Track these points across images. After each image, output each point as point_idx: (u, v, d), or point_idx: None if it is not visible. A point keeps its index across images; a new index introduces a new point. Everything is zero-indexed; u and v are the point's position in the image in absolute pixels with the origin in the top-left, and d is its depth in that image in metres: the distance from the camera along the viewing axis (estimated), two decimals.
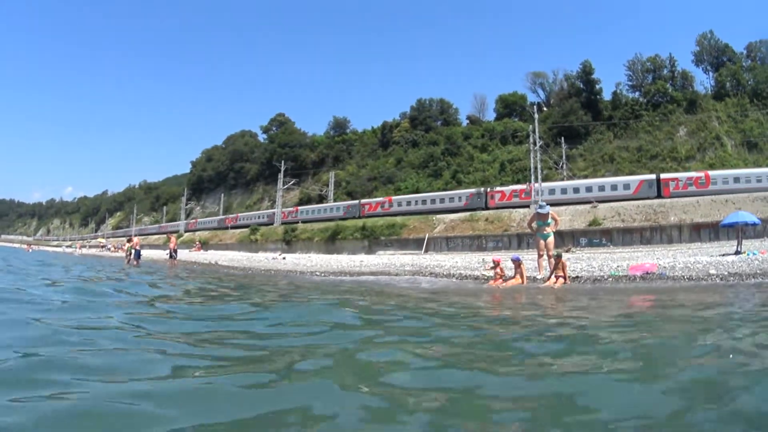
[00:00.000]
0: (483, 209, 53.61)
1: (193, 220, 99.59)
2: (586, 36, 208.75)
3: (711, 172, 48.18)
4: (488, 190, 57.26)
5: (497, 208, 52.78)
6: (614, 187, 49.65)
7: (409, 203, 62.81)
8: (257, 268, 30.84)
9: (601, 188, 49.92)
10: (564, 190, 52.48)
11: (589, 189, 50.27)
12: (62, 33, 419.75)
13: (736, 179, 46.56)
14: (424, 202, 61.77)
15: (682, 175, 49.33)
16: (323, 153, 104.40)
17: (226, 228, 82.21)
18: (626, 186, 49.24)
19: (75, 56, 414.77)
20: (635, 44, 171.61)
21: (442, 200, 60.47)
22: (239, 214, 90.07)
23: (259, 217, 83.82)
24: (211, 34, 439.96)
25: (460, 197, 58.66)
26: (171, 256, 33.95)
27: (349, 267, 28.26)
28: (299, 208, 78.94)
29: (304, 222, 69.35)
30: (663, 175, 49.31)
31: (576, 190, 51.30)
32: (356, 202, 69.04)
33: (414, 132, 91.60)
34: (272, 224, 76.46)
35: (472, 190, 59.43)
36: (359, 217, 62.78)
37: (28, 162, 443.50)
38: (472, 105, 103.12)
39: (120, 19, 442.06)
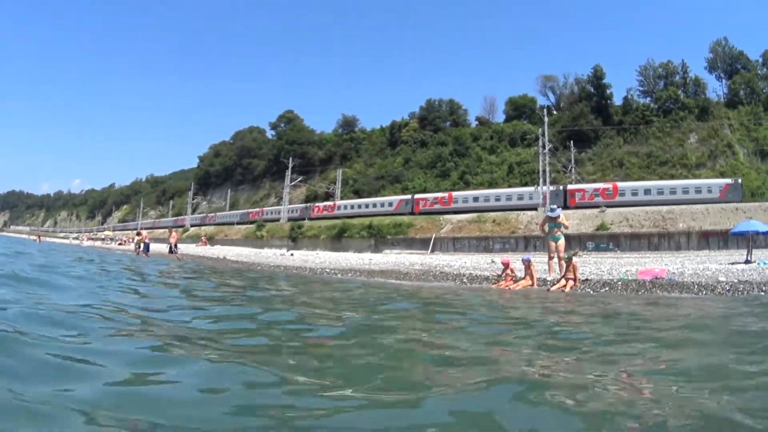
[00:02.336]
0: (410, 214, 60.32)
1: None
2: (598, 40, 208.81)
3: (619, 184, 52.74)
4: (414, 197, 64.27)
5: (422, 213, 59.63)
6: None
7: (353, 207, 69.75)
8: (266, 264, 30.63)
9: None
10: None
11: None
12: (70, 25, 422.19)
13: (476, 199, 57.30)
14: (367, 206, 68.50)
15: (430, 195, 62.45)
16: (331, 151, 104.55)
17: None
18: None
19: (84, 48, 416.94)
20: (648, 50, 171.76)
21: (374, 205, 67.85)
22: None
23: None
24: (220, 29, 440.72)
25: (390, 203, 66.25)
26: (171, 251, 33.86)
27: (359, 265, 28.14)
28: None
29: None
30: (569, 186, 55.57)
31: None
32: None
33: (423, 132, 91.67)
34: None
35: (402, 197, 66.70)
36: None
37: (38, 154, 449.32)
38: (481, 106, 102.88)
39: (129, 11, 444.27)
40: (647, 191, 50.29)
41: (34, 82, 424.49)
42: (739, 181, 48.40)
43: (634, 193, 50.36)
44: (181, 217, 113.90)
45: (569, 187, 55.89)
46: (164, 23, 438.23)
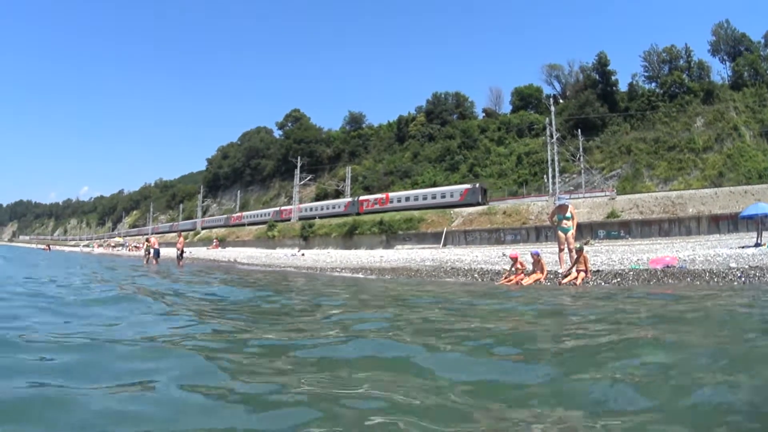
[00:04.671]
0: (357, 215, 65.53)
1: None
2: (601, 27, 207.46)
3: (390, 194, 68.22)
4: (359, 198, 71.99)
5: (366, 213, 65.56)
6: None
7: (407, 199, 69.84)
8: (277, 265, 31.09)
9: None
10: None
11: None
12: (73, 28, 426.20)
13: (407, 198, 64.69)
14: (321, 208, 77.48)
15: (370, 197, 71.40)
16: (339, 148, 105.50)
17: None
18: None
19: (84, 53, 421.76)
20: (650, 35, 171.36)
21: (325, 208, 77.10)
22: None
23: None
24: (222, 29, 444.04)
25: (340, 205, 73.93)
26: (179, 257, 33.34)
27: (370, 263, 27.95)
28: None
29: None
30: (361, 197, 71.44)
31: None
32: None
33: (430, 126, 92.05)
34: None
35: (349, 199, 74.03)
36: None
37: (44, 163, 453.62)
38: (487, 98, 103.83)
39: (131, 16, 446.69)
40: (407, 198, 64.39)
41: (34, 90, 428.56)
42: (477, 185, 59.61)
43: (399, 201, 64.63)
44: (200, 219, 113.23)
45: (359, 197, 71.63)
46: (167, 25, 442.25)
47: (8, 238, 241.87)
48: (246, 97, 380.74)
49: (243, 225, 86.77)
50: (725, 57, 73.74)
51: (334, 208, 74.80)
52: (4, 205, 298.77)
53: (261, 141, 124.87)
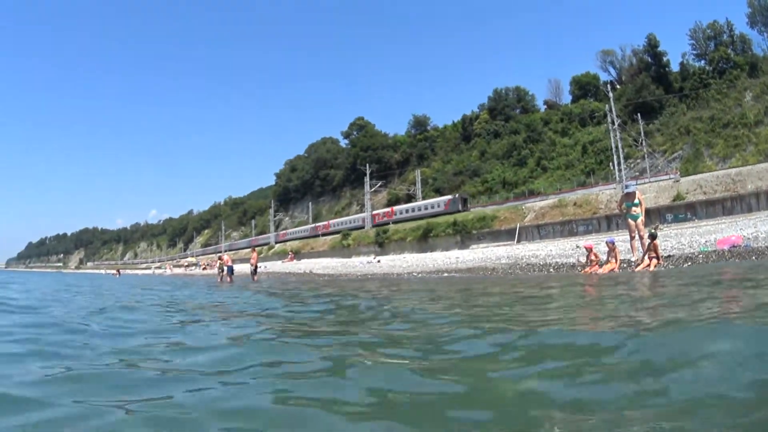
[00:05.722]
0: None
1: (324, 223, 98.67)
2: (646, 8, 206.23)
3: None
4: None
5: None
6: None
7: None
8: (353, 274, 31.94)
9: None
10: None
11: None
12: (143, 60, 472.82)
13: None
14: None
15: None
16: (406, 152, 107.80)
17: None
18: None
19: (148, 82, 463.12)
20: (692, 11, 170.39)
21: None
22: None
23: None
24: (278, 45, 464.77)
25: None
26: (253, 273, 32.76)
27: (446, 265, 28.91)
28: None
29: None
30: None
31: None
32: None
33: (494, 122, 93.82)
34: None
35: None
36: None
37: (108, 191, 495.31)
38: (547, 90, 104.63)
39: (193, 35, 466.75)
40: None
41: (94, 123, 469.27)
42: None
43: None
44: (273, 233, 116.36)
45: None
46: (225, 44, 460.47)
47: (75, 266, 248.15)
48: (309, 110, 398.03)
49: (329, 234, 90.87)
50: (762, 28, 74.06)
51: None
52: (69, 234, 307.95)
53: (328, 151, 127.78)
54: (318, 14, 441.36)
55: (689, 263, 14.65)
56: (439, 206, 73.15)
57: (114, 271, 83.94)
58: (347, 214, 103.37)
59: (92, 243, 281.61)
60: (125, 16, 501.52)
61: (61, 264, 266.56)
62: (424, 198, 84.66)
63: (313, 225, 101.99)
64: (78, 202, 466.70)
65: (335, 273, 35.53)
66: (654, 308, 7.15)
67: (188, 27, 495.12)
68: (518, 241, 49.76)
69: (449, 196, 74.11)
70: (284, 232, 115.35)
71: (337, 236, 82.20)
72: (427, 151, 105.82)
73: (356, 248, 73.24)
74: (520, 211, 57.03)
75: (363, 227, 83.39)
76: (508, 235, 52.78)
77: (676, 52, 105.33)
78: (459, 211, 67.49)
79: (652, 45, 78.78)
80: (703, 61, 75.62)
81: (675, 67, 78.09)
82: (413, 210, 78.46)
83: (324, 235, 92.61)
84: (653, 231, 16.17)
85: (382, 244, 69.23)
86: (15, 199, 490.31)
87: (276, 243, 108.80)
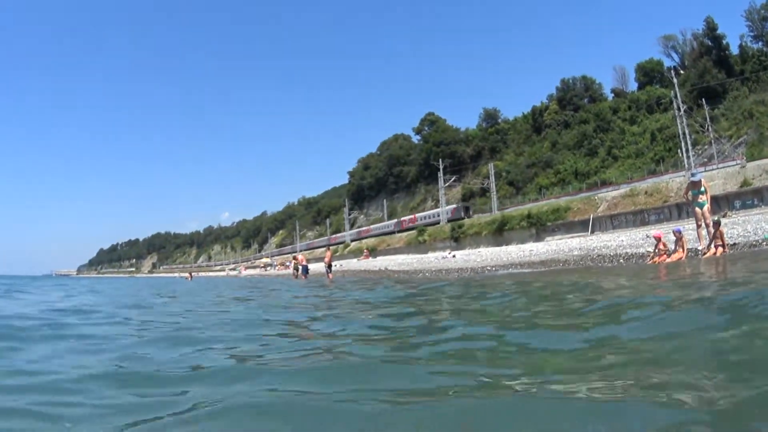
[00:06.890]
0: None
1: (411, 217, 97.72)
2: None
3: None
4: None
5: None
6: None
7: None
8: (429, 270, 32.08)
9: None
10: None
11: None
12: (212, 67, 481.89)
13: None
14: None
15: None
16: (479, 146, 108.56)
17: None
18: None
19: (218, 86, 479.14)
20: None
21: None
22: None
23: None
24: (347, 40, 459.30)
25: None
26: (328, 271, 32.91)
27: (519, 258, 29.17)
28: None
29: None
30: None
31: None
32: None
33: (564, 113, 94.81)
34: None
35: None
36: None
37: (179, 197, 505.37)
38: (613, 77, 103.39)
39: (259, 35, 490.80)
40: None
41: (165, 129, 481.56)
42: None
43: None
44: (348, 231, 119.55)
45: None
46: (289, 42, 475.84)
47: (148, 270, 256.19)
48: (378, 107, 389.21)
49: (414, 228, 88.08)
50: None
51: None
52: (141, 239, 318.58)
53: (400, 148, 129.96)
54: (381, 14, 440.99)
55: (755, 248, 15.56)
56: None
57: (186, 275, 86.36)
58: (423, 209, 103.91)
59: (165, 247, 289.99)
60: (227, 22, 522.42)
61: (133, 269, 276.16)
62: (497, 192, 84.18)
63: (397, 220, 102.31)
64: (148, 208, 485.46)
65: (410, 269, 35.56)
66: None
67: (276, 35, 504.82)
68: (592, 232, 49.95)
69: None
70: (367, 228, 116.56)
71: (413, 232, 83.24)
72: (499, 144, 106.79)
73: (432, 243, 73.77)
74: (593, 202, 57.15)
75: (439, 222, 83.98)
76: (581, 225, 52.64)
77: (734, 34, 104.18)
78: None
79: (711, 28, 78.54)
80: (760, 43, 75.39)
81: (734, 50, 77.79)
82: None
83: (410, 229, 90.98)
84: (717, 218, 16.16)
85: (457, 238, 69.71)
86: (84, 207, 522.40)
87: (352, 241, 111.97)
